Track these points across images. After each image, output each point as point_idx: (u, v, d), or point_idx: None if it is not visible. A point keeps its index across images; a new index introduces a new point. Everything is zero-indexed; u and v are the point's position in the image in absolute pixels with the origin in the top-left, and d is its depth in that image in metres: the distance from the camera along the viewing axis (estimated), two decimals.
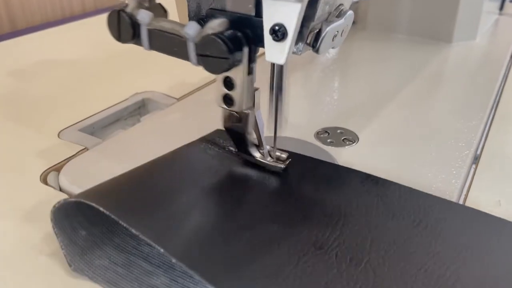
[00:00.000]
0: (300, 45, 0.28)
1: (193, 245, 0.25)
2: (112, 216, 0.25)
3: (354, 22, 0.30)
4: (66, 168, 0.35)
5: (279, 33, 0.25)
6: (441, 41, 0.63)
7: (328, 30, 0.27)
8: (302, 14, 0.25)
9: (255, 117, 0.32)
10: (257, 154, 0.34)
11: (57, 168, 0.35)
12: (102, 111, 0.44)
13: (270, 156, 0.34)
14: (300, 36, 0.27)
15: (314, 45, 0.28)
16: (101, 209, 0.25)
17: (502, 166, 0.37)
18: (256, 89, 0.31)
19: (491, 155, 0.38)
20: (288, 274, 0.24)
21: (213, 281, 0.23)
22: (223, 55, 0.27)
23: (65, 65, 0.55)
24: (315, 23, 0.27)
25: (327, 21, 0.28)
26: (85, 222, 0.28)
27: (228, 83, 0.30)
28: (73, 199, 0.26)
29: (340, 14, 0.29)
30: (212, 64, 0.28)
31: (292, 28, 0.25)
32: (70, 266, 0.26)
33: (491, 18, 0.72)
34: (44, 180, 0.34)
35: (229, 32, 0.27)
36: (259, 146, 0.34)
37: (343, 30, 0.29)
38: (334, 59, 0.58)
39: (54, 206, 0.26)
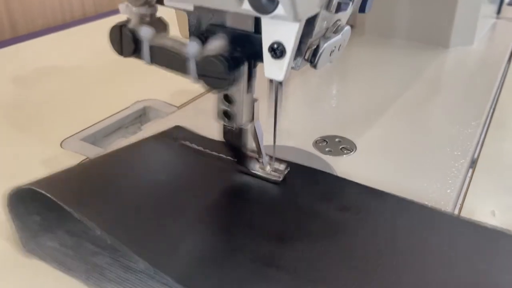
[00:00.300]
0: (298, 60, 0.29)
1: (134, 230, 0.28)
2: (59, 203, 0.28)
3: (352, 27, 0.31)
4: None
5: (277, 51, 0.26)
6: (439, 46, 0.64)
7: (326, 47, 0.28)
8: (301, 32, 0.26)
9: (255, 128, 0.33)
10: (255, 167, 0.34)
11: None
12: (103, 119, 0.44)
13: (269, 166, 0.35)
14: (298, 52, 0.28)
15: (312, 61, 0.28)
16: (51, 197, 0.28)
17: (497, 176, 0.37)
18: (255, 100, 0.32)
19: (486, 165, 0.39)
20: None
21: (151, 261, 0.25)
22: (223, 75, 0.27)
23: (66, 72, 0.56)
24: (313, 39, 0.28)
25: (325, 37, 0.29)
26: (40, 208, 0.30)
27: (228, 100, 0.31)
28: (26, 186, 0.29)
29: (337, 30, 0.29)
30: (212, 83, 0.28)
31: (290, 46, 0.25)
32: (24, 247, 0.29)
33: (489, 22, 0.73)
34: None
35: (229, 52, 0.28)
36: (258, 156, 0.34)
37: (340, 45, 0.30)
38: (332, 65, 0.59)
39: (9, 193, 0.28)
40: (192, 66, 0.29)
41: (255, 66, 0.30)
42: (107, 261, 0.29)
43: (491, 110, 0.48)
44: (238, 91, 0.30)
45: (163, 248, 0.27)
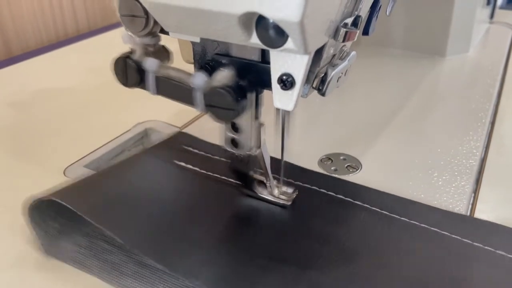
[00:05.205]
0: (306, 88, 0.28)
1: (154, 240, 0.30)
2: (84, 217, 0.30)
3: None
4: None
5: (287, 82, 0.26)
6: (435, 55, 0.64)
7: (334, 74, 0.28)
8: (310, 63, 0.26)
9: (262, 152, 0.33)
10: (262, 192, 0.34)
11: None
12: (105, 144, 0.44)
13: (277, 190, 0.34)
14: (306, 80, 0.28)
15: (321, 89, 0.28)
16: (73, 208, 0.30)
17: (504, 190, 0.38)
18: (262, 125, 0.32)
19: (492, 179, 0.39)
20: None
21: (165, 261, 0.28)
22: (231, 106, 0.27)
23: (62, 94, 0.55)
24: (320, 68, 0.28)
25: (331, 64, 0.29)
26: (57, 215, 0.32)
27: (235, 128, 0.31)
28: (47, 198, 0.30)
29: (343, 56, 0.29)
30: (220, 114, 0.28)
31: (300, 78, 0.25)
32: (45, 252, 0.31)
33: (483, 27, 0.73)
34: None
35: (235, 82, 0.28)
36: (266, 180, 0.34)
37: (346, 70, 0.30)
38: None
39: (30, 204, 0.30)
40: (199, 97, 0.29)
41: (261, 92, 0.30)
42: (122, 258, 0.31)
43: (491, 119, 0.49)
44: (245, 118, 0.30)
45: (179, 254, 0.29)
